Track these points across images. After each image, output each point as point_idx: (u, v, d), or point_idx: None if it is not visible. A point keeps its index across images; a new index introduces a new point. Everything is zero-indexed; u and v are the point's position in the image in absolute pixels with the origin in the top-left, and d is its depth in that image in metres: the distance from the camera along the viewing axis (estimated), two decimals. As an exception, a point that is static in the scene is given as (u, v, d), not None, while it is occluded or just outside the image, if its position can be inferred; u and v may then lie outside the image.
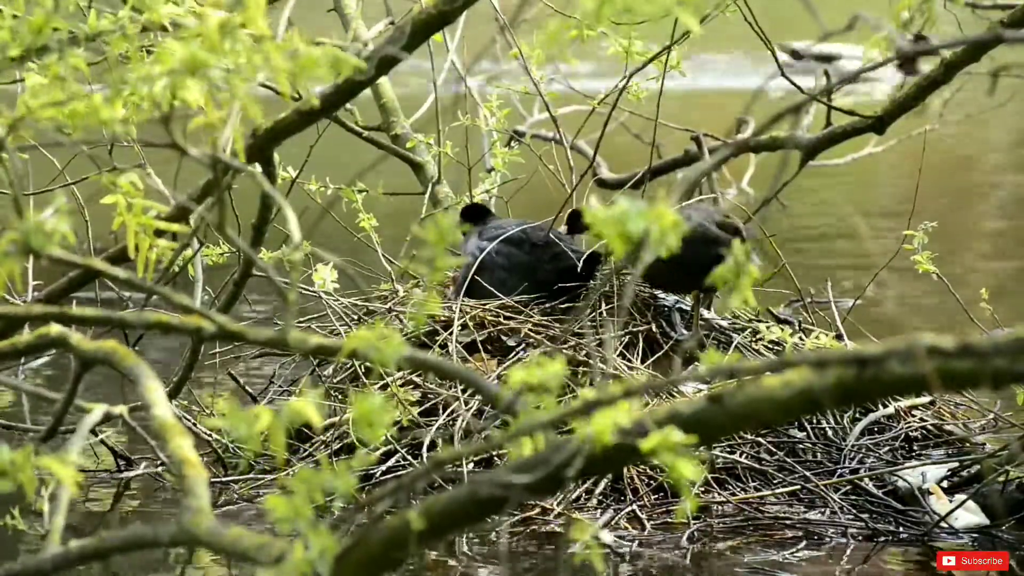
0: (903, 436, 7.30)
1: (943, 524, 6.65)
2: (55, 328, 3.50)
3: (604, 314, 7.44)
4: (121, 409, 3.58)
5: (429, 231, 3.35)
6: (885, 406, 7.36)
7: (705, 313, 7.58)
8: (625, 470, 6.89)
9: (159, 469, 7.29)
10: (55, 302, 5.74)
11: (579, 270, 7.54)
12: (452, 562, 6.39)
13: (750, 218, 7.64)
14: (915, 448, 7.31)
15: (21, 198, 3.37)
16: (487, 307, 7.50)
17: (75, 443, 3.23)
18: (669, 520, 6.76)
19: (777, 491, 6.91)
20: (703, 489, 6.90)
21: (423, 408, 7.21)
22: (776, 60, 7.15)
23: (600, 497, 6.89)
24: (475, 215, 7.87)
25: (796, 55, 20.03)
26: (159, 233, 4.62)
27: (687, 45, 7.78)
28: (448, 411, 7.12)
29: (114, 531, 3.34)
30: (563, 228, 7.78)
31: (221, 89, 3.39)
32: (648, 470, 6.93)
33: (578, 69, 19.73)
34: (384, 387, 7.17)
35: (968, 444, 7.35)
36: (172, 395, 6.87)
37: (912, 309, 10.25)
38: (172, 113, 3.45)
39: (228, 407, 3.33)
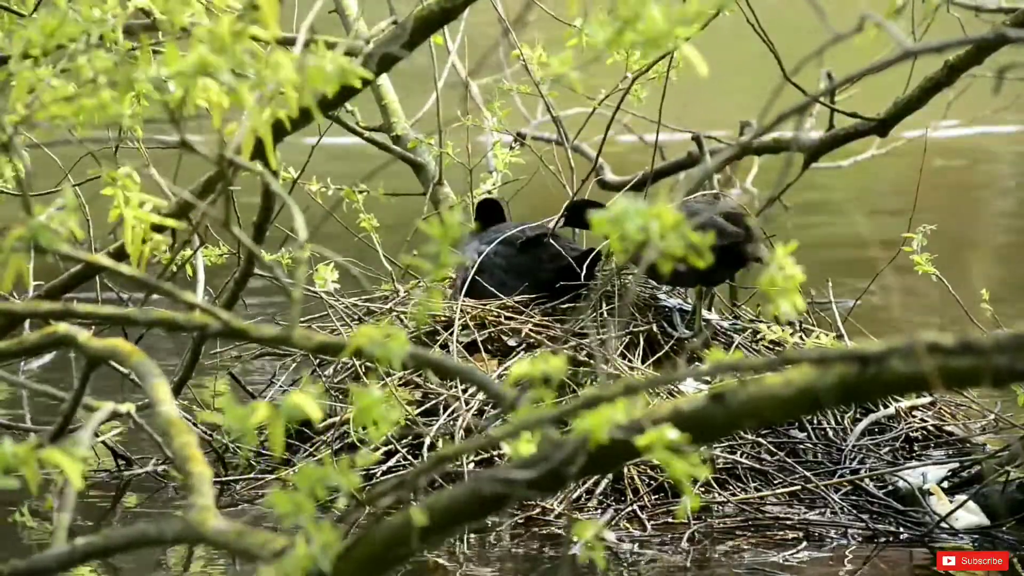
0: (904, 437, 7.30)
1: (943, 524, 6.65)
2: (62, 326, 3.50)
3: (605, 314, 7.44)
4: (128, 407, 3.59)
5: (433, 227, 3.35)
6: (886, 406, 7.37)
7: (706, 313, 7.57)
8: (625, 470, 6.89)
9: (160, 469, 7.29)
10: (54, 300, 5.73)
11: (579, 269, 7.52)
12: (451, 564, 6.39)
13: (752, 218, 7.63)
14: (916, 449, 7.31)
15: (28, 195, 3.37)
16: (488, 307, 7.49)
17: (84, 439, 3.23)
18: (669, 520, 6.76)
19: (778, 491, 6.91)
20: (703, 489, 6.90)
21: (424, 408, 7.21)
22: (780, 64, 7.14)
23: (600, 497, 6.89)
24: (489, 213, 7.89)
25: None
26: (158, 229, 4.61)
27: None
28: (449, 411, 7.12)
29: (118, 528, 3.34)
30: (560, 221, 7.70)
31: (230, 91, 3.39)
32: (649, 470, 6.93)
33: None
34: (384, 386, 7.17)
35: (969, 444, 7.35)
36: (172, 395, 6.87)
37: (914, 311, 10.24)
38: (181, 111, 3.45)
39: (225, 401, 3.33)
